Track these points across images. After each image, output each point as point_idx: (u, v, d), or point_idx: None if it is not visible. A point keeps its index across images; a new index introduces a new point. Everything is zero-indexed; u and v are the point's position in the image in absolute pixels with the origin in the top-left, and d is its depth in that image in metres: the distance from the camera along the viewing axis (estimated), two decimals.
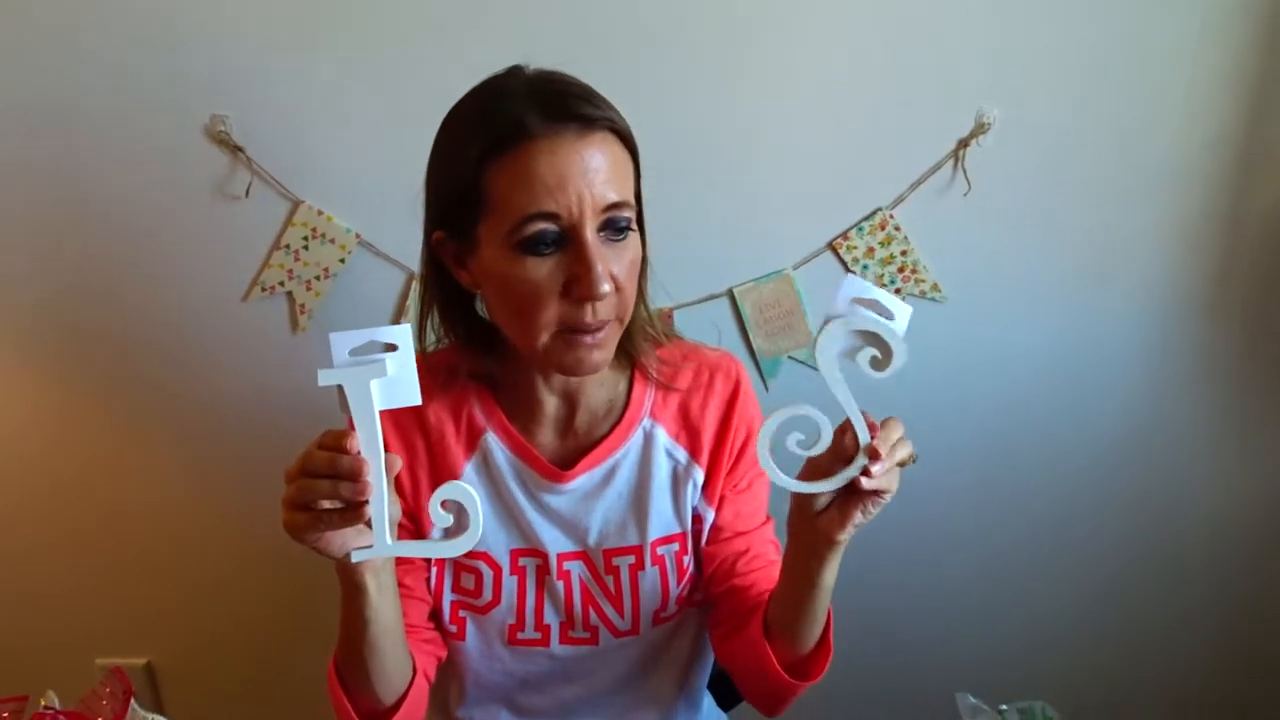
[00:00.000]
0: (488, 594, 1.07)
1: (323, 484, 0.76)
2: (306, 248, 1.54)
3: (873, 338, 0.82)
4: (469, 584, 1.07)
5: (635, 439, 1.07)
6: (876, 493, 0.84)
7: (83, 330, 1.61)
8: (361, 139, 1.50)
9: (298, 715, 1.82)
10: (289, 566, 1.73)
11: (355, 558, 0.79)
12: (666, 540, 1.08)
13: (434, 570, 1.07)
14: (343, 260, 1.55)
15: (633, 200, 0.92)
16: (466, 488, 0.79)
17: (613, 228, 0.90)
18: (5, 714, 0.86)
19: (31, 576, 1.80)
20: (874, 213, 1.56)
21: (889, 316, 0.81)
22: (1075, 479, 1.74)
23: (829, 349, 0.82)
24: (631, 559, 1.08)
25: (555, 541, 1.07)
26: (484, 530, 1.04)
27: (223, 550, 1.78)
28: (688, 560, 1.10)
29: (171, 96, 1.47)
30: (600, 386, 1.08)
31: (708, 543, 1.10)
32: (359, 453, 0.76)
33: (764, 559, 1.09)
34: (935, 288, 1.60)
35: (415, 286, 1.56)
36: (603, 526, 1.07)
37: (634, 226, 0.93)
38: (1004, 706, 1.06)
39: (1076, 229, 1.58)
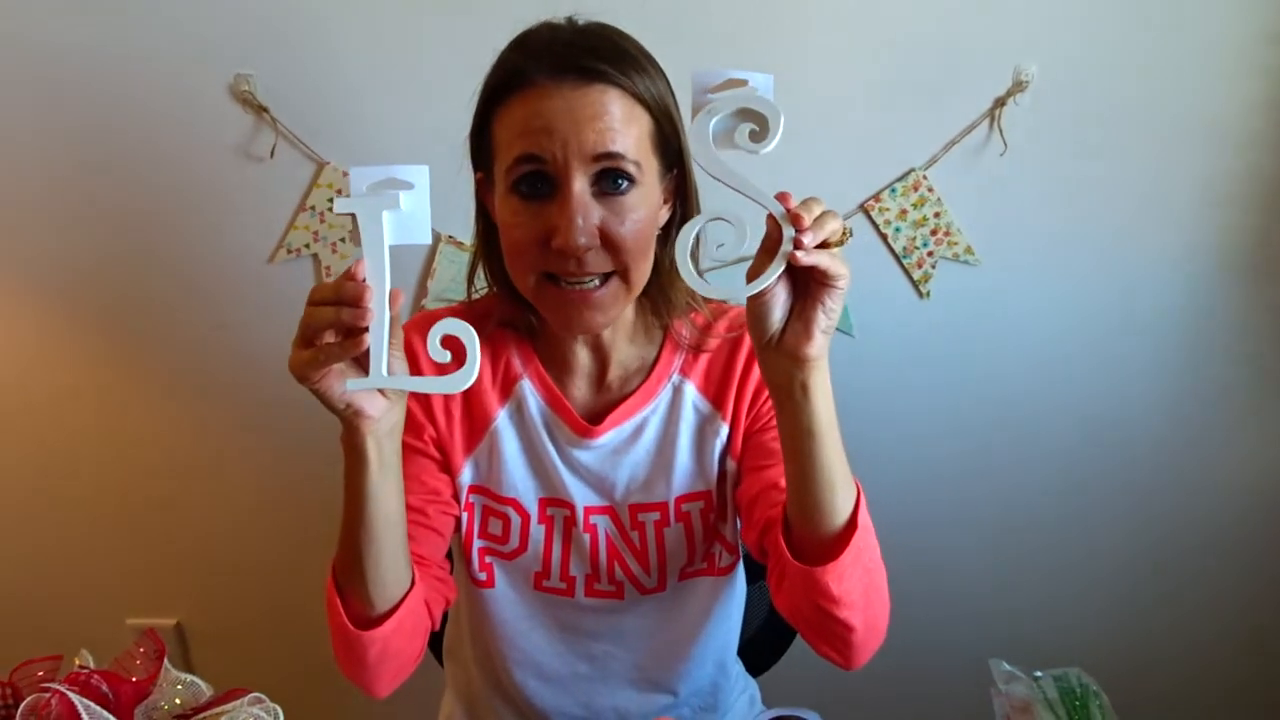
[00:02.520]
0: (515, 541, 1.08)
1: (326, 311, 0.76)
2: (331, 209, 1.53)
3: (744, 113, 0.77)
4: (497, 530, 1.08)
5: (664, 394, 1.07)
6: (827, 282, 0.76)
7: (110, 291, 1.62)
8: (387, 99, 1.49)
9: (327, 677, 1.83)
10: (317, 527, 1.73)
11: (350, 386, 0.78)
12: (691, 497, 1.08)
13: (465, 515, 1.07)
14: None
15: (640, 159, 0.90)
16: (465, 325, 0.79)
17: (608, 179, 0.89)
18: (40, 673, 0.87)
19: (62, 537, 1.82)
20: (907, 173, 1.53)
21: (744, 85, 0.78)
22: (1110, 446, 1.72)
23: (701, 142, 0.77)
24: (657, 515, 1.07)
25: (582, 495, 1.07)
26: (514, 477, 1.05)
27: (251, 512, 1.79)
28: (713, 518, 1.09)
29: (196, 56, 1.46)
30: (631, 343, 1.07)
31: (738, 485, 1.08)
32: (363, 280, 0.76)
33: None
34: (969, 250, 1.57)
35: (442, 248, 1.55)
36: (629, 482, 1.07)
37: (634, 188, 0.90)
38: (1038, 673, 1.05)
39: (1115, 190, 1.55)
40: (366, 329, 0.76)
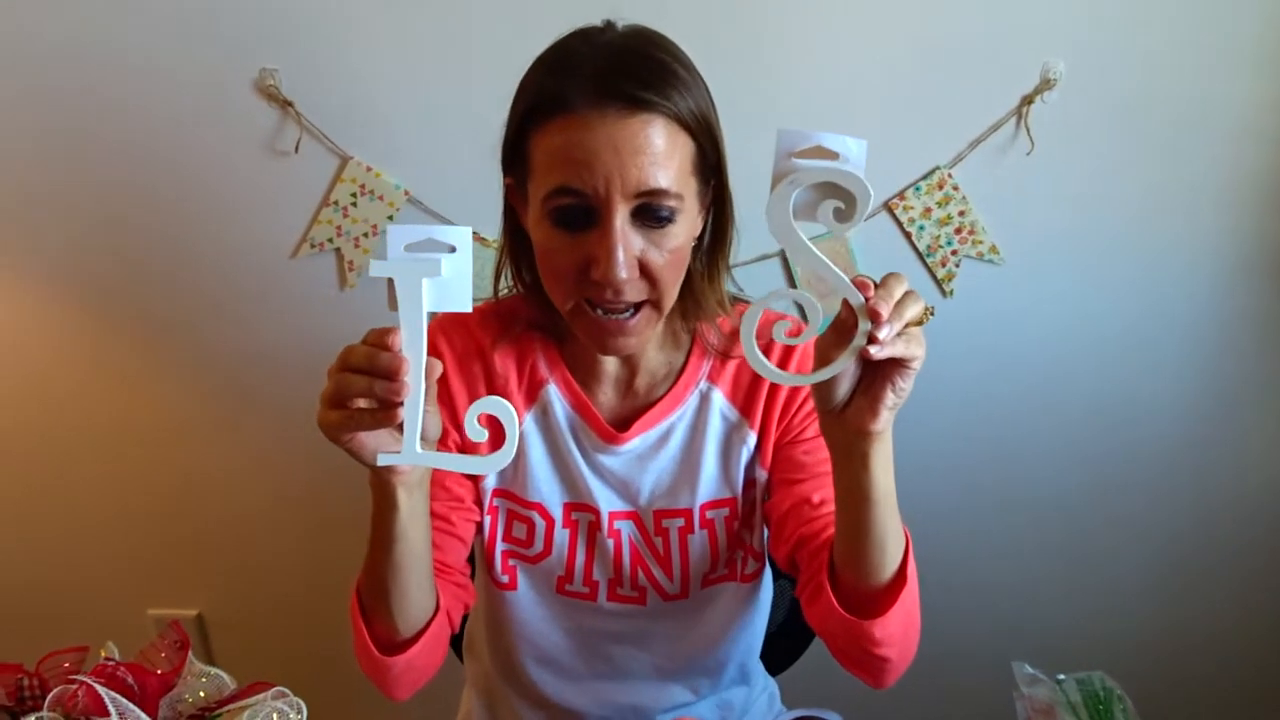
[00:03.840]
0: (539, 545, 1.07)
1: (359, 380, 0.74)
2: (355, 204, 1.53)
3: (829, 188, 0.71)
4: (520, 533, 1.07)
5: (691, 400, 1.06)
6: (900, 363, 0.74)
7: (135, 286, 1.63)
8: (411, 95, 1.49)
9: (347, 668, 1.84)
10: (339, 519, 1.74)
11: (381, 460, 0.76)
12: (716, 504, 1.07)
13: (488, 519, 1.07)
14: (391, 217, 1.54)
15: (681, 189, 0.88)
16: (505, 403, 0.75)
17: (650, 215, 0.87)
18: (66, 664, 0.87)
19: (85, 528, 1.84)
20: (932, 171, 1.52)
21: (835, 158, 0.71)
22: (1132, 446, 1.70)
23: (780, 215, 0.71)
24: (681, 522, 1.06)
25: (607, 500, 1.06)
26: (539, 481, 1.04)
27: (271, 505, 1.80)
28: (737, 526, 1.08)
29: (221, 51, 1.47)
30: (660, 350, 1.06)
31: (768, 497, 1.07)
32: (399, 350, 0.73)
33: (832, 504, 1.00)
34: (993, 249, 1.56)
35: None
36: (654, 487, 1.06)
37: (675, 219, 0.88)
38: (1061, 676, 1.04)
39: (1143, 190, 1.54)
40: (401, 404, 0.73)
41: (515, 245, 1.02)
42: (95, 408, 1.73)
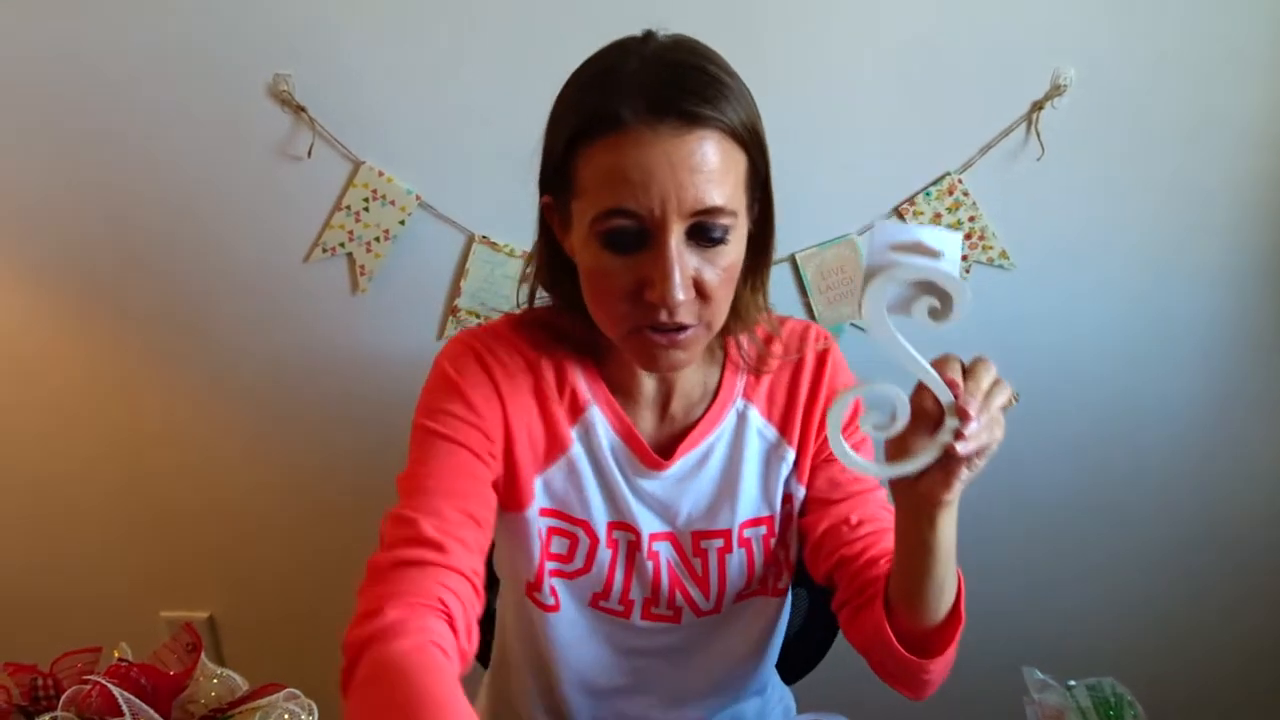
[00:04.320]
0: (579, 561, 1.04)
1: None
2: (367, 209, 1.54)
3: (925, 285, 0.70)
4: (561, 549, 1.04)
5: (729, 420, 1.04)
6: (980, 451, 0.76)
7: (147, 290, 1.63)
8: (423, 100, 1.49)
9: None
10: (350, 523, 1.75)
11: None
12: (754, 523, 1.06)
13: (538, 542, 1.02)
14: (403, 222, 1.55)
15: (735, 206, 0.85)
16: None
17: (704, 234, 0.84)
18: (80, 665, 0.88)
19: (98, 531, 1.85)
20: (942, 177, 1.52)
21: (936, 255, 0.70)
22: (1145, 454, 1.70)
23: (876, 308, 0.71)
24: (720, 542, 1.05)
25: (648, 522, 1.04)
26: (589, 501, 1.02)
27: (283, 507, 1.81)
28: (774, 543, 1.07)
29: (235, 56, 1.48)
30: (695, 369, 1.04)
31: (804, 514, 1.07)
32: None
33: (873, 524, 1.03)
34: (1003, 255, 1.56)
35: (476, 248, 1.56)
36: (692, 509, 1.04)
37: (729, 237, 0.86)
38: (1072, 682, 1.04)
39: (1153, 196, 1.53)
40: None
41: (553, 266, 0.98)
42: (108, 412, 1.74)
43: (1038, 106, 1.47)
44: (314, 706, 0.84)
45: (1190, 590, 1.80)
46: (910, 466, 0.75)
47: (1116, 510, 1.74)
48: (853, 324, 1.61)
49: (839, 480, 1.05)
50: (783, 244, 1.54)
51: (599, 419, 1.01)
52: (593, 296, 0.90)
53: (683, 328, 0.87)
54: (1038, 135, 1.48)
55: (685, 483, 1.04)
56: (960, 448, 0.73)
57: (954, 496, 0.79)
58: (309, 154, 1.51)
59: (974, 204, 1.53)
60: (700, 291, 0.86)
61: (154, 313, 1.65)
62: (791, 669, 1.34)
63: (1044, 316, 1.61)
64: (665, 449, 1.03)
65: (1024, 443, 1.69)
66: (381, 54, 1.47)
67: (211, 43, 1.47)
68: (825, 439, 1.05)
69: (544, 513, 1.02)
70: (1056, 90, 1.46)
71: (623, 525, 1.04)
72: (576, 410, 1.01)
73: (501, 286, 1.58)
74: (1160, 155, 1.51)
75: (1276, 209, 1.53)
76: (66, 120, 1.53)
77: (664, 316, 0.85)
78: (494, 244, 1.56)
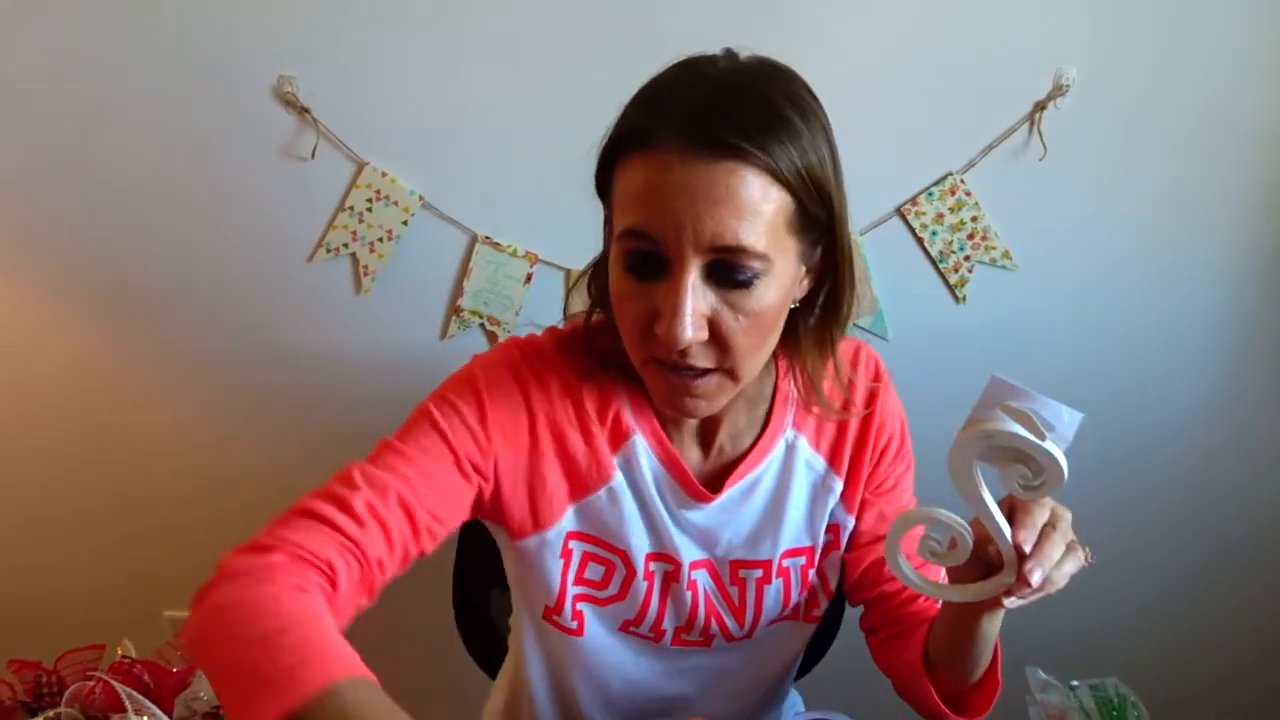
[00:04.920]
0: (614, 588, 1.00)
1: None
2: (370, 209, 1.55)
3: (1022, 453, 0.69)
4: (595, 575, 1.00)
5: (777, 451, 1.00)
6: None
7: (151, 290, 1.64)
8: (426, 101, 1.50)
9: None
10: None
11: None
12: (795, 553, 1.03)
13: (560, 563, 0.98)
14: (406, 222, 1.55)
15: (767, 249, 0.78)
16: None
17: (726, 275, 0.78)
18: (83, 662, 0.88)
19: (99, 529, 1.85)
20: (944, 177, 1.52)
21: (1048, 428, 0.68)
22: (1147, 454, 1.70)
23: (964, 459, 0.70)
24: (759, 573, 1.02)
25: (688, 550, 1.00)
26: (629, 532, 0.97)
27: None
28: (812, 574, 1.05)
29: (239, 57, 1.48)
30: (746, 400, 0.99)
31: (849, 549, 1.05)
32: None
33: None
34: (1006, 255, 1.56)
35: (479, 248, 1.56)
36: (733, 538, 1.01)
37: (758, 283, 0.79)
38: (1075, 682, 1.04)
39: (1155, 195, 1.54)
40: None
41: (605, 276, 0.91)
42: (111, 412, 1.74)
43: (1040, 106, 1.47)
44: None
45: (1193, 591, 1.80)
46: (961, 596, 0.78)
47: (1121, 510, 1.74)
48: (856, 325, 1.60)
49: (886, 515, 1.04)
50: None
51: (643, 448, 0.96)
52: (617, 318, 0.87)
53: (698, 373, 0.83)
54: (1040, 135, 1.48)
55: (729, 513, 1.00)
56: (1012, 602, 0.77)
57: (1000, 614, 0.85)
58: (313, 155, 1.52)
59: (976, 204, 1.53)
60: (716, 335, 0.81)
61: (158, 313, 1.66)
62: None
63: (1046, 316, 1.61)
64: (712, 480, 0.99)
65: None
66: (385, 55, 1.48)
67: (216, 44, 1.48)
68: (881, 473, 1.04)
69: (576, 536, 0.98)
70: (1059, 90, 1.46)
71: (663, 556, 0.99)
72: (619, 438, 0.96)
73: (504, 287, 1.58)
74: (1162, 155, 1.51)
75: (1278, 208, 1.53)
76: (70, 120, 1.53)
77: (672, 355, 0.81)
78: (497, 244, 1.56)
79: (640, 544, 0.98)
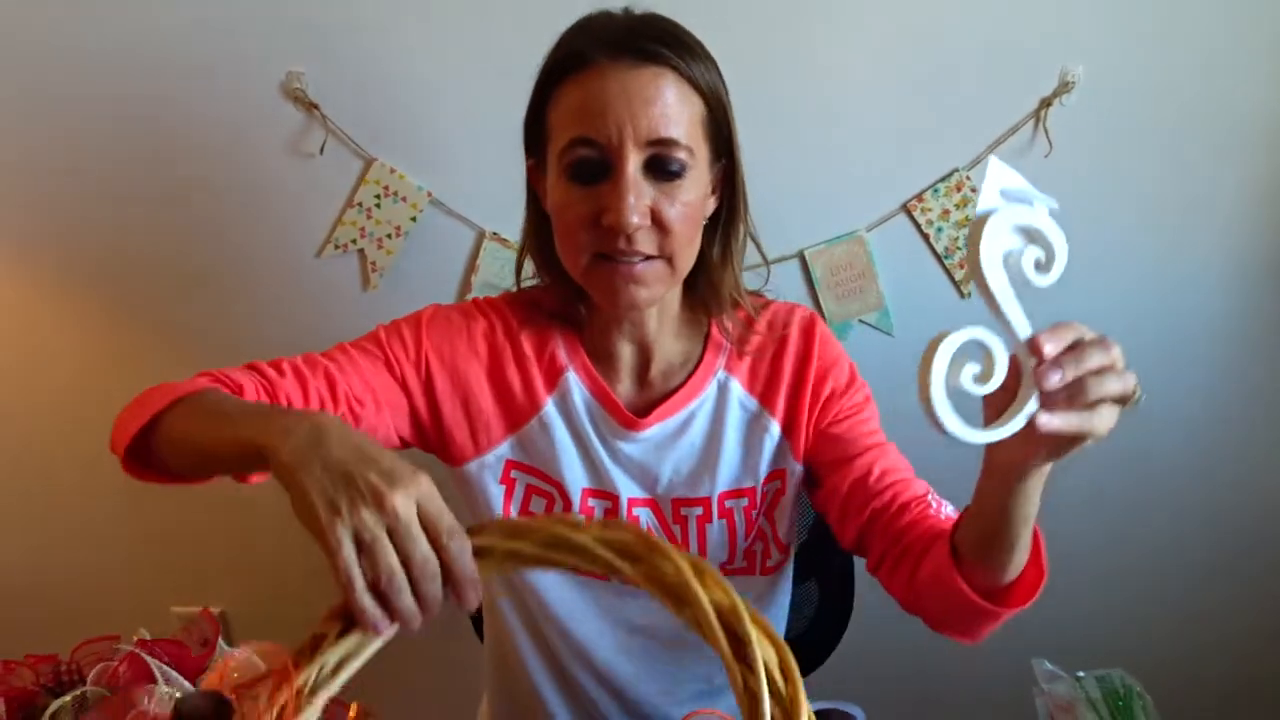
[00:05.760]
0: None
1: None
2: (379, 205, 1.55)
3: (1031, 235, 0.68)
4: (539, 509, 1.08)
5: (709, 390, 1.07)
6: (1074, 437, 0.70)
7: (158, 286, 1.65)
8: (435, 97, 1.51)
9: (373, 668, 1.85)
10: None
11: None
12: (735, 494, 1.08)
13: (502, 489, 1.07)
14: (414, 219, 1.56)
15: (692, 144, 0.92)
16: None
17: (660, 167, 0.90)
18: (99, 651, 0.89)
19: (107, 527, 1.85)
20: (950, 174, 1.53)
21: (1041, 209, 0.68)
22: (1150, 447, 1.70)
23: (993, 251, 0.65)
24: (699, 510, 1.07)
25: (627, 487, 1.07)
26: (563, 465, 1.05)
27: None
28: (755, 515, 1.09)
29: (248, 53, 1.49)
30: (676, 338, 1.08)
31: (819, 485, 1.08)
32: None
33: (896, 473, 1.03)
34: None
35: (487, 244, 1.57)
36: (673, 476, 1.07)
37: (686, 174, 0.92)
38: (1081, 673, 1.04)
39: (1161, 193, 1.54)
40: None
41: (539, 229, 1.05)
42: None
43: (1046, 104, 1.48)
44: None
45: (1197, 582, 1.81)
46: (998, 432, 0.68)
47: (1124, 502, 1.75)
48: (861, 320, 1.61)
49: (852, 436, 1.06)
50: (792, 240, 1.58)
51: (575, 382, 1.06)
52: (561, 235, 0.96)
53: (642, 258, 0.92)
54: (1046, 132, 1.49)
55: (665, 449, 1.06)
56: (1043, 422, 0.68)
57: (1035, 468, 0.76)
58: (321, 151, 1.52)
59: None
60: (657, 222, 0.91)
61: (166, 309, 1.66)
62: (803, 662, 1.35)
63: (1050, 311, 1.60)
64: (642, 412, 1.06)
65: None
66: (393, 52, 1.48)
67: (225, 40, 1.48)
68: (832, 409, 1.06)
69: (516, 466, 1.07)
70: (1065, 87, 1.47)
71: (600, 493, 1.07)
72: (554, 374, 1.06)
73: (511, 283, 1.58)
74: (1167, 152, 1.52)
75: None
76: (77, 116, 1.54)
77: (621, 243, 0.91)
78: (504, 240, 1.57)
79: (575, 477, 1.06)
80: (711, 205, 1.01)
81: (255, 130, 1.53)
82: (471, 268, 1.59)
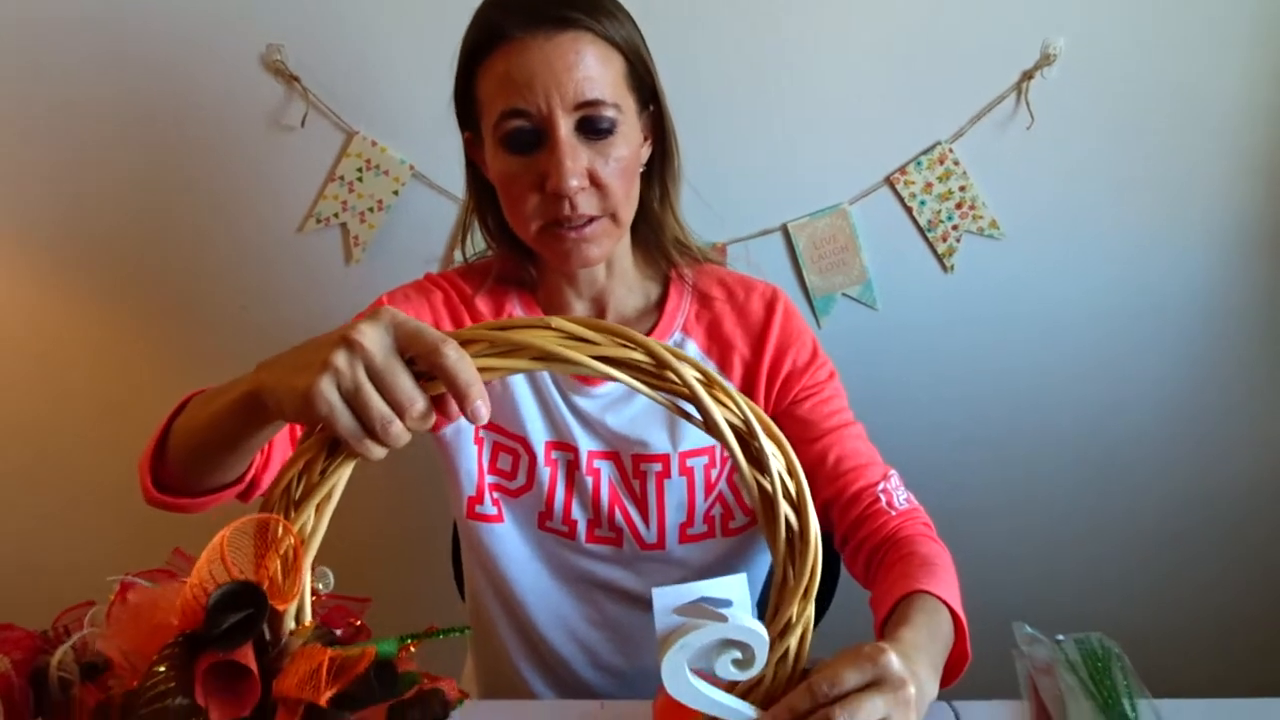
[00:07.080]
0: (521, 478, 1.10)
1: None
2: (361, 179, 1.54)
3: (725, 642, 0.64)
4: (505, 465, 1.10)
5: None
6: None
7: (140, 261, 1.63)
8: (416, 70, 1.50)
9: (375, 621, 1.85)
10: (352, 501, 1.75)
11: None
12: (697, 452, 1.09)
13: (475, 449, 1.09)
14: (396, 192, 1.55)
15: (618, 101, 0.95)
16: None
17: (591, 127, 0.93)
18: (81, 617, 0.87)
19: (90, 509, 1.85)
20: (932, 146, 1.54)
21: (726, 605, 0.63)
22: (1131, 418, 1.72)
23: (678, 676, 0.64)
24: (659, 466, 1.09)
25: (586, 440, 1.09)
26: (524, 418, 1.08)
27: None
28: (716, 474, 1.10)
29: (228, 26, 1.47)
30: (630, 292, 1.11)
31: None
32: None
33: (852, 459, 1.05)
34: (993, 224, 1.58)
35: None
36: (629, 431, 1.08)
37: (617, 130, 0.95)
38: (1060, 637, 1.06)
39: (1142, 165, 1.55)
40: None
41: (481, 199, 1.08)
42: (99, 387, 1.74)
43: (1028, 76, 1.48)
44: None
45: (1178, 554, 1.83)
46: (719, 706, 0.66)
47: (1104, 472, 1.77)
48: (844, 294, 1.62)
49: (813, 418, 1.08)
50: (774, 214, 1.58)
51: None
52: (507, 206, 0.99)
53: (586, 220, 0.96)
54: (1028, 105, 1.50)
55: (621, 405, 1.08)
56: None
57: None
58: (302, 124, 1.51)
59: (964, 173, 1.54)
60: (595, 182, 0.95)
61: (146, 285, 1.65)
62: None
63: (1033, 284, 1.63)
64: None
65: (1013, 406, 1.71)
66: (375, 24, 1.47)
67: (204, 13, 1.47)
68: (794, 388, 1.08)
69: (484, 426, 1.04)
70: (1046, 60, 1.47)
71: (561, 445, 1.09)
72: None
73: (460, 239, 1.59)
74: (1149, 125, 1.52)
75: (1264, 177, 1.55)
76: (55, 91, 1.52)
77: (565, 209, 0.94)
78: None
79: (537, 430, 1.09)
80: (646, 152, 1.04)
81: (235, 104, 1.52)
82: (455, 242, 1.58)
